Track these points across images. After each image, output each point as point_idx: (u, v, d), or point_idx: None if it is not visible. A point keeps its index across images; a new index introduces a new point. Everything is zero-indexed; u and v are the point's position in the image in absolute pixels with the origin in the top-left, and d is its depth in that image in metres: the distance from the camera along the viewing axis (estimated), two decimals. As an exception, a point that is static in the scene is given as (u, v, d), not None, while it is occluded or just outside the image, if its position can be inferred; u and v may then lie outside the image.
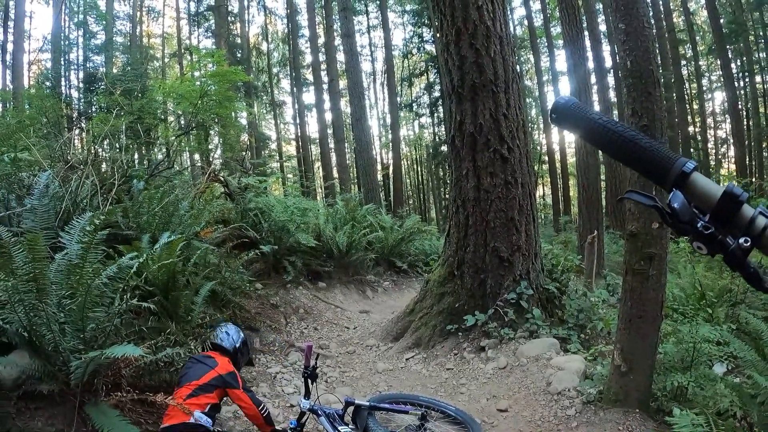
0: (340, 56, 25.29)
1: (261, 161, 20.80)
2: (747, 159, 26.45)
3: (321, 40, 27.70)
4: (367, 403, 4.24)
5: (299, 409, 3.79)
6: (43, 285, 3.60)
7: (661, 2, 24.87)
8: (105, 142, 9.47)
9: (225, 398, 3.77)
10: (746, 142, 26.49)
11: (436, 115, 34.45)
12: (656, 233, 4.37)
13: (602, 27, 22.24)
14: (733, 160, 29.49)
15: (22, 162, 6.95)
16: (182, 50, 31.75)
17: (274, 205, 10.21)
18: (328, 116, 26.33)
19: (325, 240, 10.77)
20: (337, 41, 25.16)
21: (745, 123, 27.24)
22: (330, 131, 26.42)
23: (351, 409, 4.14)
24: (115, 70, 22.42)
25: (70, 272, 3.89)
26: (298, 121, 35.54)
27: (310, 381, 3.77)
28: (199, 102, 11.64)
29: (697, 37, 30.77)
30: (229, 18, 28.47)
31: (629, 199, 0.93)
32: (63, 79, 23.90)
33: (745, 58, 27.22)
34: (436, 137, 34.88)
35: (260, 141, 30.73)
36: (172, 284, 5.62)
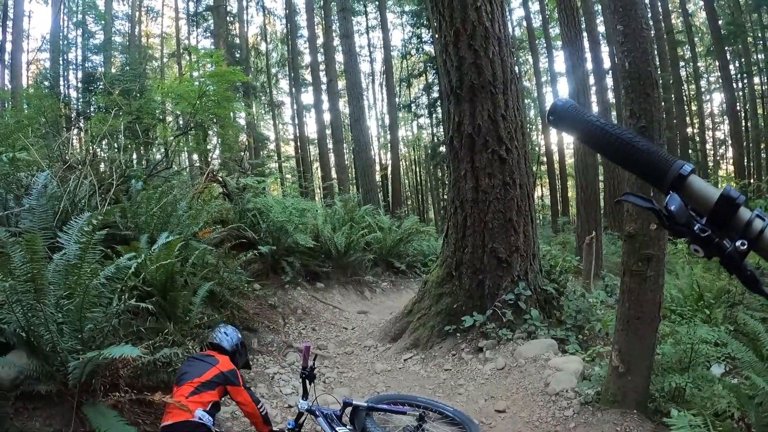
0: (339, 57, 25.33)
1: (259, 161, 20.79)
2: (745, 160, 26.47)
3: (320, 41, 27.75)
4: (365, 404, 4.25)
5: (297, 409, 3.80)
6: (41, 285, 3.60)
7: (659, 3, 24.90)
8: (103, 142, 9.48)
9: (223, 398, 3.77)
10: (744, 144, 26.52)
11: (434, 115, 34.39)
12: (654, 234, 4.38)
13: (601, 28, 22.20)
14: (731, 161, 29.55)
15: (21, 162, 6.94)
16: (181, 50, 31.71)
17: (273, 205, 10.21)
18: (327, 117, 26.34)
19: (323, 240, 10.77)
20: (336, 42, 25.16)
21: (743, 124, 27.24)
22: (328, 132, 26.45)
23: (349, 409, 4.14)
24: (113, 70, 22.41)
25: (68, 272, 3.89)
26: (296, 121, 35.51)
27: (308, 381, 3.77)
28: (198, 102, 11.64)
29: (696, 39, 30.78)
30: (227, 18, 28.47)
31: (627, 201, 0.93)
32: (61, 78, 23.87)
33: (743, 60, 27.24)
34: (435, 138, 34.81)
35: (259, 141, 30.73)
36: (170, 284, 5.62)
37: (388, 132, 31.88)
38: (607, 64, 19.15)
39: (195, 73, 15.65)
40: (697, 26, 31.43)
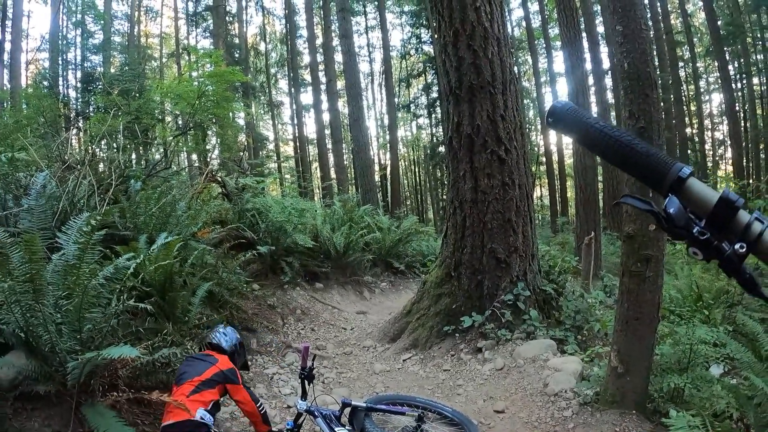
0: (338, 57, 25.30)
1: (258, 162, 20.82)
2: (744, 160, 26.49)
3: (319, 41, 27.74)
4: (364, 405, 4.24)
5: (296, 410, 3.80)
6: (40, 285, 3.60)
7: (658, 4, 24.90)
8: (102, 142, 9.49)
9: (222, 399, 3.77)
10: (743, 144, 26.54)
11: (433, 116, 34.42)
12: (653, 235, 4.38)
13: (600, 29, 22.20)
14: (730, 161, 29.56)
15: (20, 162, 6.94)
16: (180, 50, 31.70)
17: (272, 205, 10.21)
18: (326, 117, 26.31)
19: (322, 241, 10.77)
20: (335, 42, 25.14)
21: (742, 125, 27.24)
22: (328, 132, 26.44)
23: (348, 410, 4.14)
24: (112, 70, 22.44)
25: (67, 273, 3.88)
26: (295, 121, 35.46)
27: (306, 382, 3.77)
28: (197, 102, 11.65)
29: (695, 39, 30.79)
30: (227, 18, 28.46)
31: (626, 203, 0.93)
32: (61, 78, 23.87)
33: (742, 60, 27.25)
34: (434, 138, 34.83)
35: (258, 141, 30.76)
36: (169, 285, 5.62)
37: (388, 132, 31.84)
38: (606, 64, 19.19)
39: (194, 73, 15.63)
40: (697, 27, 31.44)
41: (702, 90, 33.28)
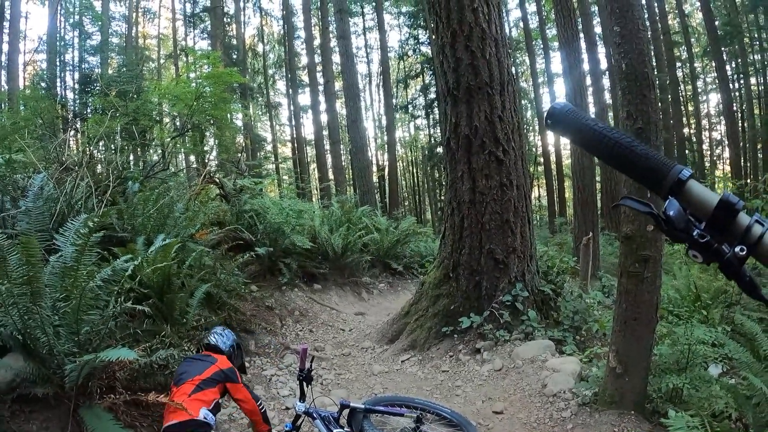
0: (336, 58, 25.25)
1: (256, 163, 20.85)
2: (742, 160, 26.59)
3: (317, 42, 27.70)
4: (363, 406, 4.24)
5: (294, 411, 3.78)
6: (38, 288, 3.58)
7: (656, 4, 24.95)
8: (100, 144, 9.47)
9: (222, 399, 3.76)
10: (741, 144, 26.63)
11: (431, 116, 34.46)
12: (651, 236, 4.38)
13: (598, 29, 22.27)
14: (728, 161, 29.60)
15: (17, 164, 6.92)
16: (178, 51, 31.73)
17: (270, 206, 10.19)
18: (324, 118, 26.30)
19: (320, 242, 10.76)
20: (333, 43, 25.11)
21: (740, 125, 27.33)
22: (325, 133, 26.41)
23: (346, 411, 4.14)
24: (110, 71, 22.46)
25: (65, 275, 3.88)
26: (293, 122, 35.50)
27: (305, 383, 3.76)
28: (195, 103, 11.64)
29: (692, 39, 30.85)
30: (224, 19, 28.44)
31: (625, 206, 0.93)
32: (58, 80, 23.88)
33: (740, 60, 27.30)
34: (432, 139, 34.88)
35: (256, 142, 30.76)
36: (167, 287, 5.60)
37: (386, 133, 31.86)
38: (604, 65, 19.21)
39: (192, 75, 15.62)
40: (694, 27, 31.52)
41: (699, 90, 33.37)
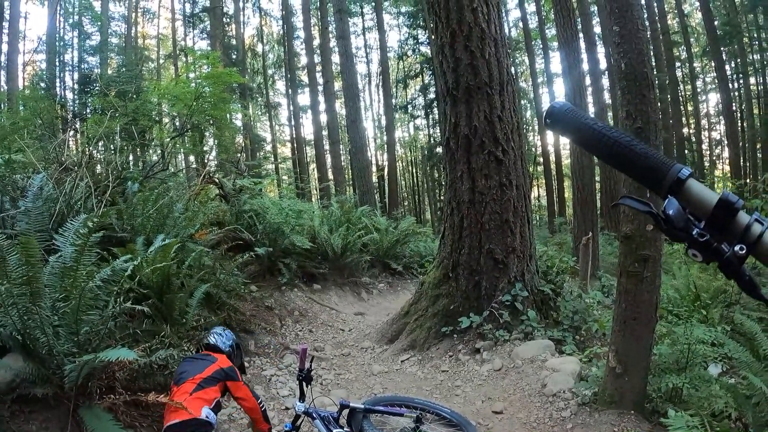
0: (336, 58, 25.25)
1: (256, 163, 20.84)
2: (741, 160, 26.61)
3: (316, 42, 27.69)
4: (362, 406, 4.24)
5: (294, 411, 3.78)
6: (37, 288, 3.58)
7: (655, 4, 24.96)
8: (99, 144, 9.45)
9: (222, 399, 3.76)
10: (740, 144, 26.64)
11: (431, 116, 34.46)
12: (650, 235, 4.38)
13: (597, 29, 22.29)
14: (727, 161, 29.62)
15: (16, 164, 6.91)
16: (177, 52, 31.71)
17: (269, 207, 10.19)
18: (323, 118, 26.29)
19: (320, 242, 10.75)
20: (333, 43, 25.10)
21: (739, 124, 27.34)
22: (325, 133, 26.40)
23: (346, 411, 4.14)
24: (110, 72, 22.44)
25: (64, 275, 3.87)
26: (293, 122, 35.49)
27: (304, 384, 3.76)
28: (194, 104, 11.63)
29: (692, 39, 30.85)
30: (224, 19, 28.44)
31: (624, 205, 0.93)
32: (58, 80, 23.84)
33: (739, 60, 27.32)
34: (431, 139, 34.89)
35: (255, 143, 30.77)
36: (166, 287, 5.60)
37: (385, 133, 31.88)
38: (603, 65, 19.21)
39: (191, 75, 15.60)
40: (693, 27, 31.53)
41: (699, 90, 33.40)
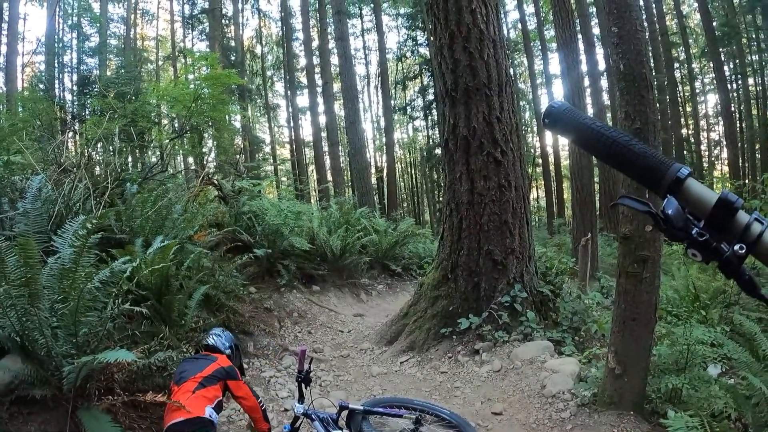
0: (335, 59, 25.26)
1: (255, 164, 20.83)
2: (740, 161, 26.61)
3: (315, 44, 27.67)
4: (362, 408, 4.23)
5: (293, 413, 3.77)
6: (36, 289, 3.58)
7: (654, 5, 24.97)
8: (98, 145, 9.44)
9: (223, 398, 3.75)
10: (739, 144, 26.63)
11: (430, 118, 34.46)
12: (649, 236, 4.38)
13: (596, 30, 22.31)
14: (726, 161, 29.62)
15: (15, 165, 6.91)
16: (176, 53, 31.73)
17: (268, 208, 10.19)
18: (322, 119, 26.31)
19: (319, 243, 10.75)
20: (331, 44, 25.12)
21: (738, 125, 27.34)
22: (324, 134, 26.38)
23: (345, 413, 4.12)
24: (108, 73, 22.43)
25: (63, 276, 3.87)
26: (292, 124, 35.49)
27: (303, 385, 3.75)
28: (193, 105, 11.62)
29: (690, 40, 30.87)
30: (223, 21, 28.41)
31: (623, 205, 0.93)
32: (57, 81, 23.80)
33: (737, 61, 27.33)
34: (430, 140, 34.90)
35: (254, 144, 30.74)
36: (165, 288, 5.60)
37: (384, 134, 31.88)
38: (602, 66, 19.21)
39: (190, 76, 15.58)
40: (692, 28, 31.56)
41: (697, 91, 33.42)
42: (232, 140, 19.63)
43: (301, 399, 3.75)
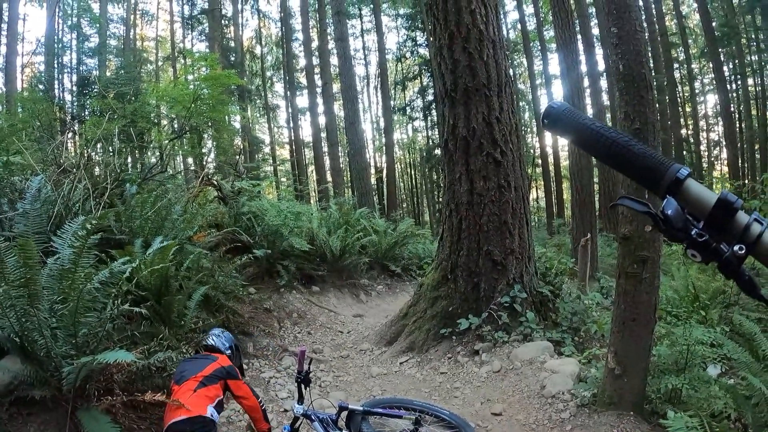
0: (334, 60, 25.25)
1: (254, 165, 20.87)
2: (739, 161, 26.60)
3: (315, 44, 27.67)
4: (361, 408, 4.22)
5: (293, 414, 3.77)
6: (35, 290, 3.57)
7: (653, 6, 24.98)
8: (98, 146, 9.43)
9: (223, 397, 3.75)
10: (738, 145, 26.63)
11: (429, 118, 34.45)
12: (649, 236, 4.38)
13: (595, 31, 22.31)
14: (725, 162, 29.62)
15: (15, 166, 6.91)
16: (176, 54, 31.74)
17: (268, 209, 10.19)
18: (322, 120, 26.32)
19: (318, 244, 10.75)
20: (331, 45, 25.13)
21: (737, 125, 27.34)
22: (324, 135, 26.37)
23: (345, 414, 4.12)
24: (108, 74, 22.40)
25: (62, 277, 3.86)
26: (291, 124, 35.49)
27: (303, 386, 3.75)
28: (193, 105, 11.63)
29: (690, 41, 30.86)
30: (222, 21, 28.45)
31: (622, 205, 0.92)
32: (56, 82, 23.77)
33: (737, 61, 27.32)
34: (430, 141, 34.92)
35: (254, 145, 30.74)
36: (164, 289, 5.59)
37: (383, 135, 31.90)
38: (601, 66, 19.19)
39: (190, 77, 15.61)
40: (691, 28, 31.55)
41: (697, 91, 33.42)
42: (232, 141, 19.63)
43: (300, 399, 3.75)
